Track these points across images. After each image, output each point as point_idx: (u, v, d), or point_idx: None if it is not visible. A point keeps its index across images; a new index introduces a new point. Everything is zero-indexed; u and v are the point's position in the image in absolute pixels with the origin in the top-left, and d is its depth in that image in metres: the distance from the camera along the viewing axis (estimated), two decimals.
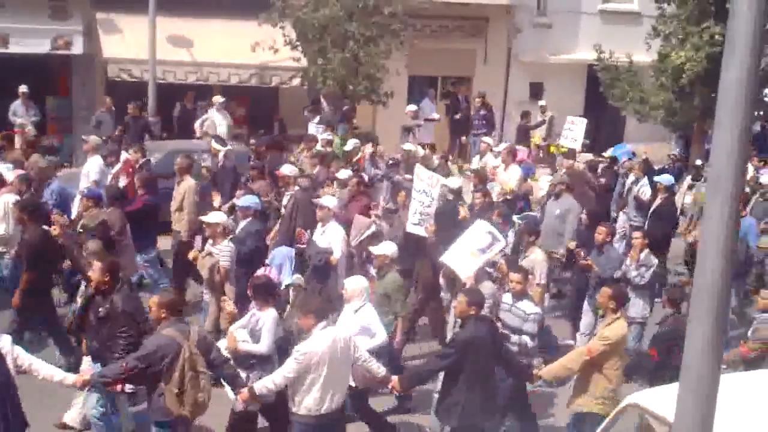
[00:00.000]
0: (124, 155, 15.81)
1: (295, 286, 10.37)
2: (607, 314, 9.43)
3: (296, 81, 21.45)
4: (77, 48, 21.04)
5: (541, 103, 23.79)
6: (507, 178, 16.50)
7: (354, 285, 9.67)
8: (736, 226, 4.68)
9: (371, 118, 23.66)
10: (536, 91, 26.56)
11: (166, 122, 21.18)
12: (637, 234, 12.63)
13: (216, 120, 19.92)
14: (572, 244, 13.48)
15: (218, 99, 20.40)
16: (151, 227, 13.67)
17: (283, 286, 10.38)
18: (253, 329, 9.07)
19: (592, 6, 26.63)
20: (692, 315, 4.87)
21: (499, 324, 9.70)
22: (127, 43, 20.67)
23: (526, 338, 9.63)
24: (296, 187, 13.91)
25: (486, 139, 19.62)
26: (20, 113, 20.01)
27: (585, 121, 21.18)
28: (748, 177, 18.30)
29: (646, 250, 12.30)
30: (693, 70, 21.05)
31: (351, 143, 18.02)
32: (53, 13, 20.96)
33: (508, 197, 15.89)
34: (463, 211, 13.44)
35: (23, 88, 20.04)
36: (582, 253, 12.46)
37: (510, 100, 25.81)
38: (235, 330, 9.11)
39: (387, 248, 11.02)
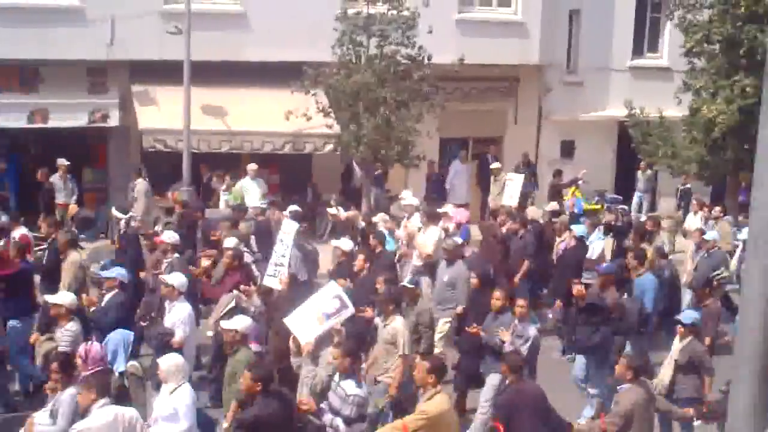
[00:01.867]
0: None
1: (128, 373, 9.85)
2: (426, 388, 8.88)
3: (329, 147, 21.61)
4: (113, 120, 21.41)
5: (495, 165, 23.22)
6: (423, 241, 15.88)
7: (167, 364, 8.93)
8: None
9: (403, 181, 23.75)
10: (568, 149, 26.60)
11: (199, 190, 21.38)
12: (520, 302, 11.79)
13: (250, 188, 20.12)
14: (459, 309, 13.21)
15: (252, 167, 20.61)
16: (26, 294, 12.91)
17: (116, 374, 9.84)
18: (54, 410, 8.66)
19: (622, 62, 26.73)
20: (736, 376, 4.85)
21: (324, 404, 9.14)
22: (162, 113, 20.97)
23: (338, 421, 8.88)
24: (175, 255, 13.49)
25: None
26: (59, 187, 20.37)
27: (522, 176, 21.11)
28: (693, 228, 18.06)
29: (527, 320, 11.64)
30: (725, 123, 21.03)
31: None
32: (91, 87, 21.43)
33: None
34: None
35: (62, 162, 20.42)
36: (474, 324, 11.87)
37: (542, 159, 25.81)
38: (37, 414, 8.75)
39: (237, 323, 10.19)
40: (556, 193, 23.60)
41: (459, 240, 15.48)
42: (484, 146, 25.55)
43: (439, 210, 17.61)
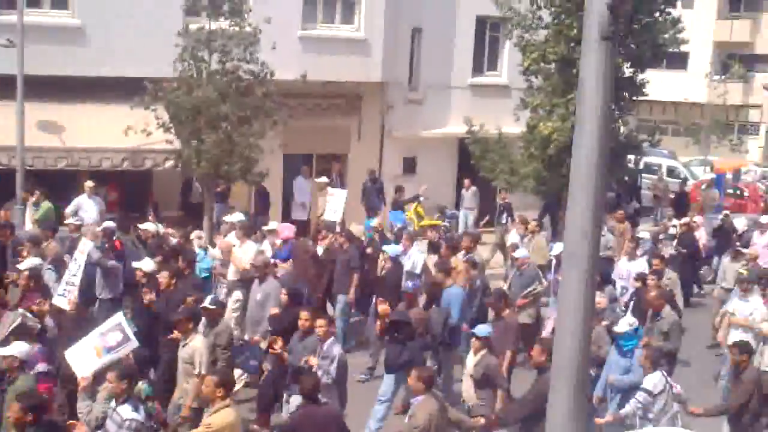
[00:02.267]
0: None
1: None
2: (214, 402, 9.01)
3: (170, 163, 21.24)
4: None
5: (321, 180, 23.18)
6: (240, 256, 15.69)
7: None
8: (593, 300, 4.84)
9: (247, 197, 23.57)
10: (410, 165, 26.97)
11: None
12: (320, 321, 11.51)
13: (87, 206, 19.50)
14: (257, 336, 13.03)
15: (89, 184, 20.01)
16: None
17: None
18: None
19: (462, 80, 27.31)
20: (554, 385, 4.98)
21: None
22: None
23: None
24: None
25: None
26: None
27: (345, 192, 21.14)
28: (508, 244, 18.64)
29: (330, 339, 11.42)
30: (560, 140, 21.72)
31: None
32: None
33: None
34: None
35: None
36: (279, 342, 11.70)
37: (384, 175, 26.07)
38: None
39: (15, 349, 9.85)
40: (398, 209, 23.88)
41: (272, 255, 15.50)
42: (327, 163, 25.63)
43: (265, 226, 17.75)
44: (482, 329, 11.62)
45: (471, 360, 11.47)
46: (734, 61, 51.36)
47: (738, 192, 34.05)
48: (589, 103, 4.49)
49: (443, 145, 27.20)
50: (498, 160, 23.90)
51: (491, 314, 13.93)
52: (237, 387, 13.31)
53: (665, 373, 11.05)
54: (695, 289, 21.36)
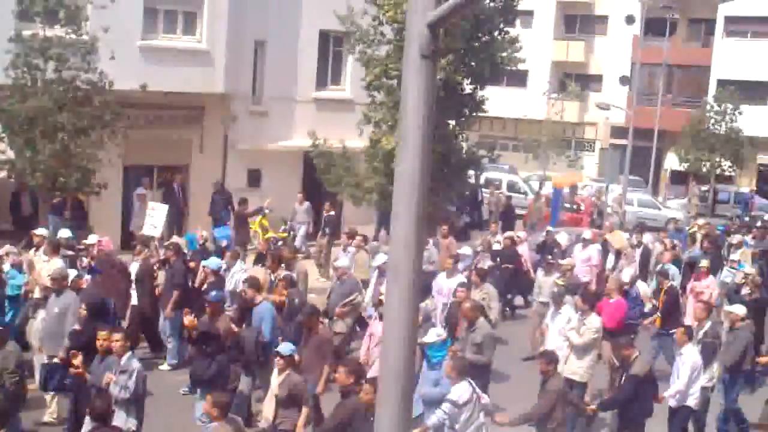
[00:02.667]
0: None
1: None
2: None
3: (2, 174, 20.48)
4: None
5: (139, 191, 23.06)
6: (46, 273, 14.83)
7: None
8: (417, 312, 4.94)
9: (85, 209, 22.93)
10: (254, 178, 26.84)
11: None
12: (116, 336, 11.13)
13: None
14: (61, 353, 12.46)
15: None
16: None
17: None
18: None
19: (306, 94, 27.37)
20: (380, 398, 5.05)
21: None
22: None
23: None
24: None
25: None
26: None
27: (166, 207, 20.62)
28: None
29: (128, 354, 11.08)
30: None
31: None
32: None
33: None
34: None
35: None
36: (78, 358, 11.22)
37: (229, 188, 25.82)
38: None
39: None
40: (242, 222, 23.71)
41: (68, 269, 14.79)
42: (169, 174, 25.23)
43: (86, 241, 17.38)
44: (285, 348, 11.37)
45: (275, 379, 11.23)
46: (570, 80, 53.35)
47: (575, 207, 35.30)
48: (410, 120, 4.58)
49: (288, 158, 27.19)
50: (343, 174, 24.02)
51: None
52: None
53: (472, 383, 11.02)
54: (522, 302, 21.95)
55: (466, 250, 20.24)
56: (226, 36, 24.51)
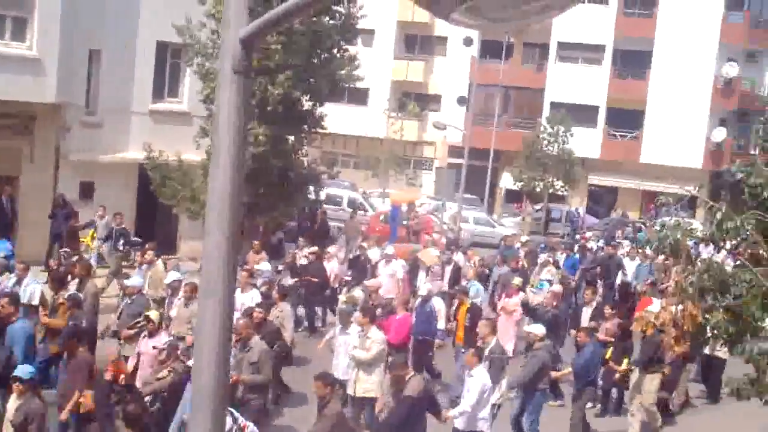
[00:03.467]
0: None
1: None
2: None
3: None
4: None
5: None
6: None
7: None
8: (230, 328, 4.92)
9: None
10: (87, 190, 26.07)
11: None
12: None
13: None
14: None
15: None
16: None
17: None
18: None
19: (142, 105, 26.81)
20: (193, 417, 5.00)
21: None
22: None
23: None
24: None
25: None
26: None
27: None
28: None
29: None
30: None
31: None
32: None
33: None
34: None
35: None
36: None
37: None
38: None
39: None
40: (72, 235, 23.02)
41: None
42: None
43: None
44: (23, 371, 10.91)
45: (12, 403, 10.80)
46: (409, 99, 54.24)
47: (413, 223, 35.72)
48: (223, 135, 4.56)
49: (122, 171, 26.55)
50: (178, 188, 23.68)
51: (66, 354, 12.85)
52: None
53: (234, 413, 10.64)
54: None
55: (264, 266, 19.96)
56: (59, 44, 23.70)
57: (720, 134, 51.62)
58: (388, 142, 51.96)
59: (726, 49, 51.37)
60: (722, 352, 16.83)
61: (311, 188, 25.50)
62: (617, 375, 16.28)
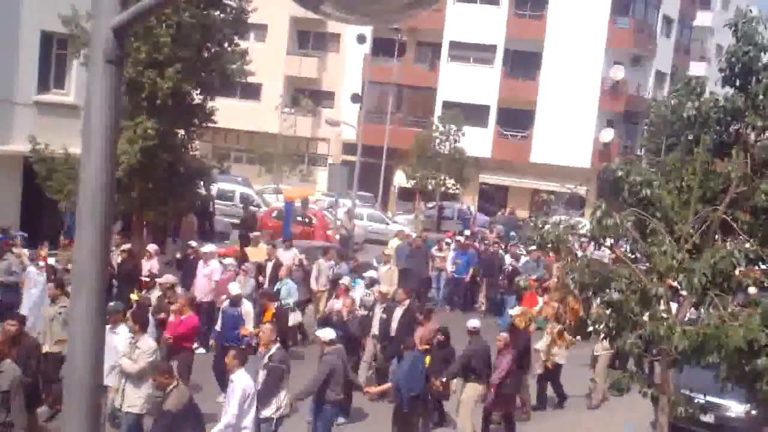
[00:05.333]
0: None
1: None
2: None
3: None
4: None
5: None
6: None
7: None
8: (104, 321, 4.85)
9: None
10: None
11: None
12: None
13: None
14: None
15: None
16: None
17: None
18: None
19: (26, 97, 26.09)
20: (65, 413, 4.91)
21: None
22: None
23: None
24: None
25: None
26: None
27: None
28: None
29: None
30: (128, 163, 21.53)
31: None
32: None
33: None
34: None
35: None
36: None
37: None
38: None
39: None
40: None
41: None
42: None
43: None
44: None
45: None
46: (303, 95, 54.15)
47: (307, 220, 35.73)
48: (95, 125, 4.51)
49: (6, 164, 25.80)
50: (66, 181, 23.13)
51: None
52: None
53: None
54: None
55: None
56: None
57: (608, 135, 53.05)
58: (282, 138, 51.80)
59: (613, 52, 52.82)
60: (559, 357, 17.22)
61: (201, 183, 25.19)
62: (437, 384, 15.10)
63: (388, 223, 41.76)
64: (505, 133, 54.63)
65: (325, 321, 16.83)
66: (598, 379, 18.20)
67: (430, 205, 48.50)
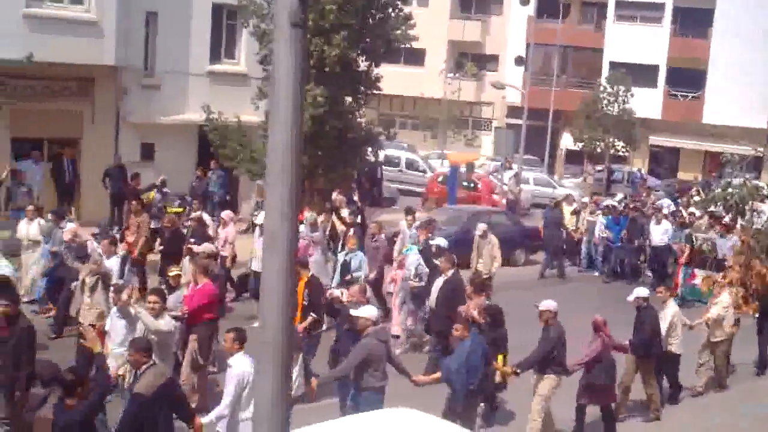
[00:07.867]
0: None
1: None
2: None
3: None
4: None
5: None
6: None
7: None
8: (295, 280, 4.94)
9: None
10: (148, 152, 26.35)
11: None
12: None
13: None
14: None
15: None
16: None
17: None
18: None
19: (200, 67, 26.93)
20: (259, 369, 5.03)
21: None
22: None
23: None
24: None
25: None
26: None
27: None
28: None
29: None
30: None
31: None
32: None
33: None
34: None
35: None
36: None
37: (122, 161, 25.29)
38: None
39: None
40: (135, 197, 23.21)
41: None
42: (60, 147, 24.58)
43: None
44: None
45: None
46: (467, 59, 53.79)
47: (472, 185, 35.62)
48: (282, 89, 4.54)
49: (182, 133, 26.76)
50: (238, 149, 23.74)
51: None
52: None
53: None
54: None
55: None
56: (116, 6, 23.85)
57: None
58: (446, 102, 51.66)
59: None
60: (675, 347, 14.80)
61: (369, 149, 25.39)
62: (497, 376, 12.97)
63: (555, 187, 41.12)
64: (675, 93, 52.82)
65: (329, 307, 14.44)
66: (718, 363, 15.63)
67: (599, 168, 47.43)
